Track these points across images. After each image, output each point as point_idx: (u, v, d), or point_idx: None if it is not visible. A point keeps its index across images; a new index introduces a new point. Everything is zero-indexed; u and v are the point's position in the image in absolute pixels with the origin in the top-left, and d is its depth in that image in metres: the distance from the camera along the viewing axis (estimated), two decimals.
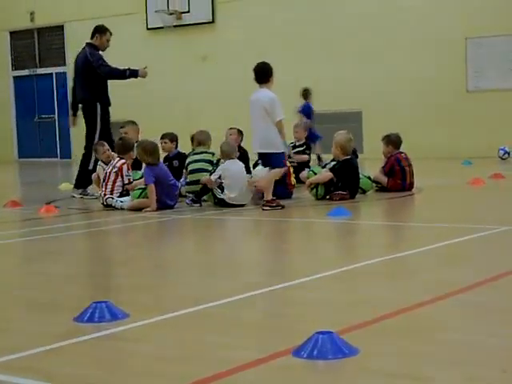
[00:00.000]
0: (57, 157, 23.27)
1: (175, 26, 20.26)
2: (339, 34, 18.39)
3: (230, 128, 10.68)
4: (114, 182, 8.81)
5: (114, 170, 8.85)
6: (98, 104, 10.39)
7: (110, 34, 10.80)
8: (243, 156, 10.02)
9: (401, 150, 9.80)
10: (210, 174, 8.65)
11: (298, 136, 11.64)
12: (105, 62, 10.56)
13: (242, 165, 8.83)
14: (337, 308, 3.91)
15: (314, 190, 8.98)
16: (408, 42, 17.55)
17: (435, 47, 17.25)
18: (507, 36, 16.65)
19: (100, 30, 10.78)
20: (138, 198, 8.58)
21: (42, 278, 4.95)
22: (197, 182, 8.87)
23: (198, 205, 8.63)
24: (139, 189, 8.68)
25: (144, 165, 8.77)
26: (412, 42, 17.50)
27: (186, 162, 9.27)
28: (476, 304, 3.85)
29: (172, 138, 10.06)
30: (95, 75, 10.39)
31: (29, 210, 9.00)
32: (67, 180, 13.19)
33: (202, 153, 9.23)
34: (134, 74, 10.60)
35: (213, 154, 9.29)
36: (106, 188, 8.82)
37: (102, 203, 8.85)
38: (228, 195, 8.45)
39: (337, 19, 18.37)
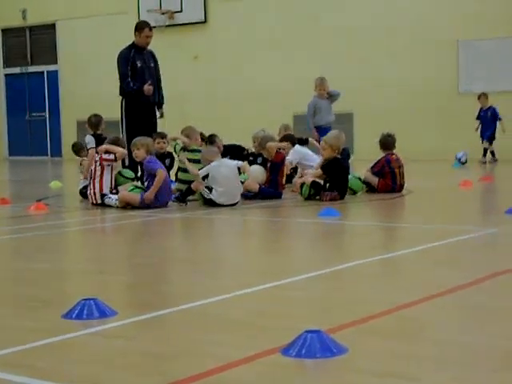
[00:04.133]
0: (47, 155, 23.21)
1: (167, 26, 20.26)
2: (330, 36, 18.42)
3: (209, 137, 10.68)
4: (101, 176, 8.81)
5: (97, 165, 8.85)
6: (123, 102, 10.43)
7: (149, 29, 10.61)
8: (236, 151, 10.09)
9: (394, 151, 9.84)
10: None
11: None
12: (125, 63, 10.43)
13: (232, 164, 8.78)
14: (326, 307, 3.92)
15: (303, 190, 8.99)
16: (400, 44, 17.59)
17: (427, 49, 17.30)
18: (498, 39, 16.72)
19: (137, 27, 10.67)
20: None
21: (30, 275, 4.94)
22: (188, 182, 8.86)
23: (184, 204, 8.64)
24: (133, 187, 8.78)
25: (147, 159, 8.64)
26: (404, 44, 17.55)
27: (184, 155, 9.20)
28: (464, 305, 3.86)
29: (166, 137, 10.10)
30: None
31: (18, 207, 8.97)
32: (57, 178, 13.19)
33: (194, 151, 9.20)
34: (133, 88, 10.44)
35: None
36: (94, 186, 8.80)
37: (92, 202, 8.83)
38: (217, 198, 8.42)
39: (328, 21, 18.40)
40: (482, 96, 15.95)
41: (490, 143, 15.84)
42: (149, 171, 8.52)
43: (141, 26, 10.68)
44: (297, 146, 10.51)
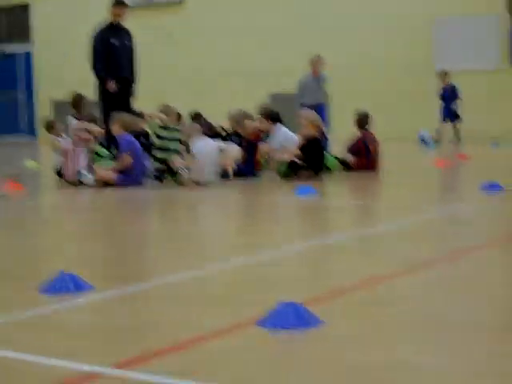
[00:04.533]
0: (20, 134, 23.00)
1: (144, 6, 20.12)
2: (305, 15, 18.39)
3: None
4: (77, 156, 8.77)
5: (73, 145, 8.83)
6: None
7: (120, 7, 10.40)
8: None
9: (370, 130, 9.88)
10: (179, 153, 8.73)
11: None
12: (100, 42, 10.34)
13: (211, 143, 8.79)
14: (301, 281, 3.95)
15: (280, 168, 9.02)
16: (375, 23, 17.61)
17: (402, 28, 17.34)
18: (474, 17, 16.80)
19: (112, 3, 10.55)
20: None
21: (5, 252, 4.93)
22: (165, 160, 8.86)
23: (160, 181, 8.65)
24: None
25: (122, 136, 8.62)
26: (379, 23, 17.57)
27: (157, 134, 9.17)
28: (439, 278, 3.91)
29: (143, 116, 10.07)
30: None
31: None
32: (33, 158, 13.09)
33: (172, 129, 9.17)
34: (101, 75, 10.39)
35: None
36: (67, 166, 8.76)
37: (66, 180, 8.79)
38: (196, 176, 8.41)
39: (304, 4, 18.38)
40: (443, 74, 15.66)
41: (452, 120, 15.48)
42: (118, 149, 8.53)
43: (114, 3, 10.62)
44: (279, 126, 10.10)
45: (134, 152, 8.47)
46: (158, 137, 9.11)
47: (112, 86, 10.17)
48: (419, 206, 6.65)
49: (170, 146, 9.01)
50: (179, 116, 10.15)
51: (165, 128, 9.13)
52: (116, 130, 8.59)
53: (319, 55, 11.99)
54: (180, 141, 9.04)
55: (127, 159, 8.39)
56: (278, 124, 9.63)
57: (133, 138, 8.62)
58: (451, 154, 11.52)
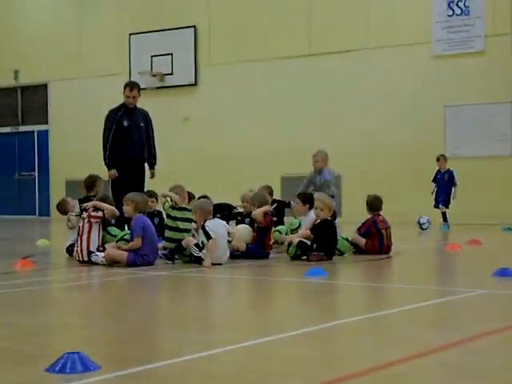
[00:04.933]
0: (35, 214, 23.17)
1: (158, 88, 20.52)
2: (321, 100, 18.69)
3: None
4: (89, 232, 8.79)
5: (85, 222, 8.83)
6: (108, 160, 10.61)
7: (130, 89, 10.65)
8: (224, 209, 10.10)
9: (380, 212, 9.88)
10: (192, 233, 8.73)
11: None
12: (111, 124, 10.56)
13: (223, 223, 8.84)
14: (312, 364, 3.89)
15: (290, 249, 9.03)
16: (388, 109, 17.85)
17: (414, 114, 17.57)
18: (484, 105, 17.01)
19: (124, 85, 10.78)
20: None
21: (14, 330, 4.89)
22: (176, 240, 8.86)
23: (171, 262, 8.65)
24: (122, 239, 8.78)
25: (135, 217, 8.65)
26: (392, 109, 17.81)
27: (168, 213, 9.20)
28: (450, 363, 3.85)
29: (156, 196, 10.20)
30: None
31: (4, 264, 8.91)
32: (45, 236, 13.15)
33: (183, 209, 9.21)
34: (106, 162, 10.63)
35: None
36: (81, 243, 8.78)
37: (78, 259, 8.80)
38: (208, 256, 8.40)
39: (318, 85, 18.69)
40: (441, 158, 15.44)
41: (446, 206, 15.19)
42: (131, 231, 8.54)
43: (124, 86, 10.82)
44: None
45: (147, 232, 8.48)
46: (169, 217, 9.15)
47: (112, 174, 10.38)
48: (430, 290, 6.59)
49: (180, 225, 9.04)
50: (190, 196, 10.21)
51: (176, 208, 9.17)
52: (129, 211, 8.63)
53: (318, 150, 11.53)
54: (191, 220, 9.07)
55: (137, 243, 8.40)
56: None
57: (145, 219, 8.63)
58: (463, 238, 11.47)
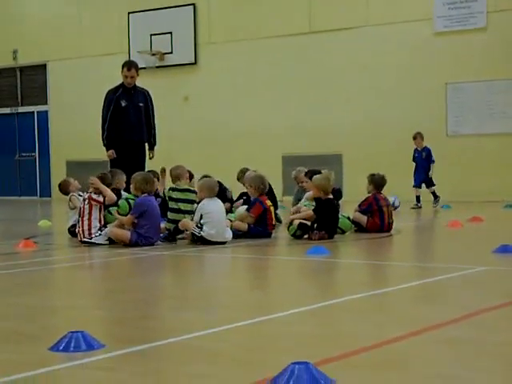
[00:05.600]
0: (36, 195, 23.19)
1: (157, 67, 20.44)
2: (320, 77, 18.62)
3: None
4: (90, 214, 8.79)
5: (85, 203, 8.84)
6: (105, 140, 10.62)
7: (128, 69, 10.60)
8: (222, 193, 10.07)
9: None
10: (192, 216, 8.74)
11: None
12: (108, 104, 10.56)
13: (221, 203, 8.84)
14: (314, 341, 3.91)
15: (290, 229, 9.07)
16: (389, 86, 17.79)
17: (416, 92, 17.50)
18: (486, 82, 16.95)
19: (123, 65, 10.76)
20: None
21: (17, 310, 4.92)
22: (177, 221, 8.87)
23: (174, 243, 8.68)
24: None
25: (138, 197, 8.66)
26: (393, 86, 17.75)
27: (169, 195, 9.19)
28: (451, 339, 3.87)
29: (158, 176, 10.17)
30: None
31: (6, 244, 8.94)
32: (46, 217, 13.17)
33: (185, 191, 9.18)
34: (104, 143, 10.64)
35: (196, 193, 9.31)
36: (82, 223, 8.79)
37: (80, 240, 8.82)
38: (208, 232, 8.44)
39: (318, 63, 18.62)
40: (418, 136, 14.97)
41: (428, 186, 14.84)
42: (133, 207, 8.58)
43: (122, 65, 10.78)
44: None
45: (151, 214, 8.47)
46: (171, 199, 9.13)
47: (110, 155, 10.42)
48: (431, 267, 6.61)
49: (182, 207, 9.03)
50: (190, 175, 10.19)
51: (177, 189, 9.15)
52: (133, 190, 8.68)
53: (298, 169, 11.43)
54: (193, 201, 9.07)
55: (128, 220, 8.47)
56: None
57: (150, 200, 8.60)
58: (465, 215, 11.48)
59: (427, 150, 15.04)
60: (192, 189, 9.25)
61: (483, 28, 16.99)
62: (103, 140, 10.63)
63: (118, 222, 8.60)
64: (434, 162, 14.98)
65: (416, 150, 15.22)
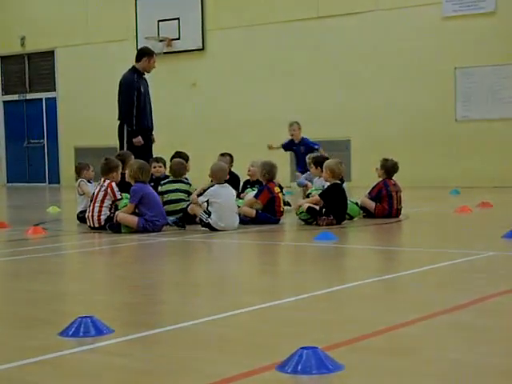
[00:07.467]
0: (45, 182, 23.24)
1: (165, 53, 20.40)
2: (328, 62, 18.54)
3: (221, 154, 10.80)
4: (102, 201, 8.80)
5: (102, 189, 8.84)
6: (124, 126, 10.46)
7: (153, 57, 10.73)
8: (234, 181, 10.06)
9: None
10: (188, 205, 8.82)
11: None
12: (133, 88, 10.47)
13: (232, 190, 8.83)
14: (322, 326, 3.91)
15: (298, 212, 9.07)
16: (398, 71, 17.71)
17: (424, 77, 17.41)
18: (495, 66, 16.85)
19: (145, 53, 10.72)
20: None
21: (27, 295, 4.94)
22: (174, 212, 8.93)
23: (183, 228, 8.69)
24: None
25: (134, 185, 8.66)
26: (401, 72, 17.67)
27: (162, 189, 9.24)
28: (461, 324, 3.86)
29: (164, 162, 10.21)
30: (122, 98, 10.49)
31: (16, 231, 8.97)
32: (55, 203, 13.20)
33: (178, 182, 9.27)
34: (134, 128, 10.49)
35: (190, 185, 9.35)
36: (93, 209, 8.80)
37: (89, 225, 8.83)
38: (215, 221, 8.43)
39: (326, 48, 18.53)
40: (295, 125, 12.94)
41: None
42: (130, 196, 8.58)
43: (149, 52, 10.76)
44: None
45: (150, 200, 8.45)
46: (160, 193, 9.11)
47: (138, 141, 10.30)
48: (441, 252, 6.60)
49: (173, 197, 9.14)
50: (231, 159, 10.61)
51: (169, 181, 9.26)
52: (127, 177, 8.67)
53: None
54: (186, 192, 9.14)
55: (129, 209, 8.48)
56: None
57: (144, 188, 8.52)
58: (474, 200, 11.45)
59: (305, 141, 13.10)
60: (186, 181, 9.36)
61: (492, 12, 16.86)
62: (132, 126, 10.43)
63: (126, 209, 8.59)
64: (317, 149, 12.69)
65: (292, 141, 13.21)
